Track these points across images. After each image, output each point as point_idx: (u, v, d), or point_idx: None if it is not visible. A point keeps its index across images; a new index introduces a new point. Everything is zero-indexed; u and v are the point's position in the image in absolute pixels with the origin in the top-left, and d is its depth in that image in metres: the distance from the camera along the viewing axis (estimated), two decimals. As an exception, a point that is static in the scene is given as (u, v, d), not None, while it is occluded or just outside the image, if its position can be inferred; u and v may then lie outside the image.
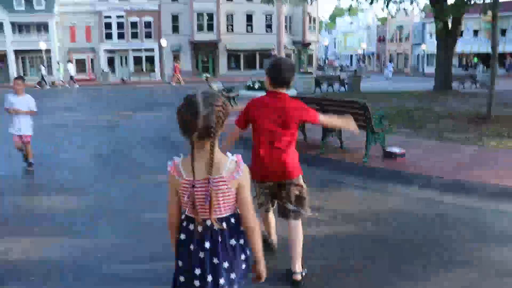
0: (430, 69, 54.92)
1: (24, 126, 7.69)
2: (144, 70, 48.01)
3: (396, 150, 7.56)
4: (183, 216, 2.22)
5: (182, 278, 2.19)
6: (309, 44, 52.28)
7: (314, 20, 52.52)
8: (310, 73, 28.69)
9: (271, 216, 3.97)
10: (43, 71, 40.27)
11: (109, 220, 5.28)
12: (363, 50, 70.10)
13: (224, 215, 2.16)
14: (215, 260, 2.13)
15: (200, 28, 47.00)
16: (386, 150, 7.62)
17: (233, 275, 2.18)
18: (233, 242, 2.18)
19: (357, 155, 7.85)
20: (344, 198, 6.10)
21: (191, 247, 2.16)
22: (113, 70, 47.14)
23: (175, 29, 47.76)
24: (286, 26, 49.60)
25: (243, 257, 2.23)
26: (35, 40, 44.41)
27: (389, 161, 7.46)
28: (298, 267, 3.58)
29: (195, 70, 47.87)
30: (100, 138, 11.37)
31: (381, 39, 73.59)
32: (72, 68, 39.33)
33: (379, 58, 74.82)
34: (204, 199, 2.08)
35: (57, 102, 23.49)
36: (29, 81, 41.73)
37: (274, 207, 3.87)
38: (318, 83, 26.21)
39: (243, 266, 2.25)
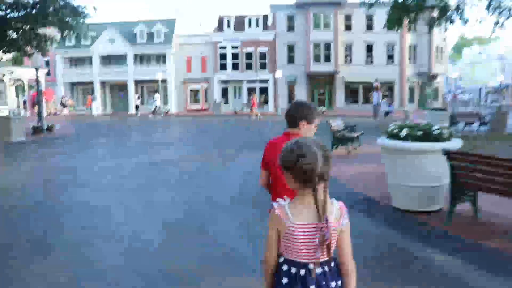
0: None
1: None
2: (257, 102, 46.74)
3: None
4: (281, 260, 2.22)
5: None
6: (435, 76, 47.55)
7: (442, 50, 47.76)
8: (444, 109, 24.73)
9: None
10: (138, 101, 41.51)
11: None
12: (499, 82, 63.27)
13: (325, 259, 2.17)
14: None
15: (316, 58, 44.75)
16: None
17: None
18: (333, 284, 2.19)
19: None
20: None
21: None
22: (226, 101, 46.55)
23: (291, 59, 46.01)
24: (409, 57, 45.70)
25: None
26: (153, 70, 45.39)
27: None
28: None
29: (310, 102, 45.50)
30: (180, 193, 8.75)
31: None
32: (158, 99, 40.39)
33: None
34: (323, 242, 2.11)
35: (155, 134, 22.25)
36: (145, 110, 42.79)
37: None
38: (453, 121, 22.24)
39: None
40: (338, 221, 2.14)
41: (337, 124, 14.92)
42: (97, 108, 41.70)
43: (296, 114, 3.36)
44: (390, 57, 45.70)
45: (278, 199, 2.21)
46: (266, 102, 46.30)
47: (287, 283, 2.17)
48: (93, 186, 9.43)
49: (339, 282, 2.21)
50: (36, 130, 21.45)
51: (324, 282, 2.15)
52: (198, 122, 31.79)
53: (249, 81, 46.70)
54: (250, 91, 46.51)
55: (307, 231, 2.09)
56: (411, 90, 46.85)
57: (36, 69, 21.58)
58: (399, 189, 6.85)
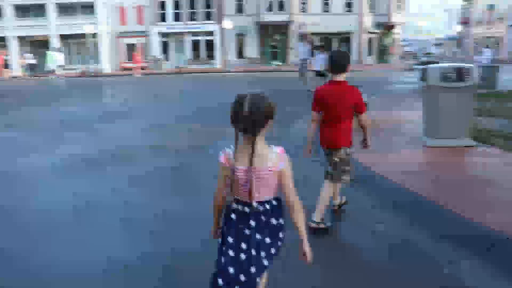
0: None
1: None
2: (202, 57, 41.51)
3: None
4: (232, 199, 2.45)
5: (231, 253, 2.41)
6: (392, 26, 44.20)
7: (402, -3, 43.99)
8: (436, 62, 21.15)
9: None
10: (32, 60, 34.82)
11: None
12: (457, 33, 61.47)
13: (267, 199, 2.41)
14: (258, 236, 2.42)
15: (269, 7, 39.90)
16: None
17: (273, 250, 2.49)
18: (274, 221, 2.46)
19: None
20: None
21: (240, 226, 2.43)
22: (167, 57, 41.13)
23: (239, 8, 40.94)
24: (369, 5, 42.05)
25: (281, 235, 2.52)
26: (80, 23, 38.73)
27: None
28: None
29: (262, 56, 41.02)
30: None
31: (465, 22, 64.22)
32: (60, 57, 32.56)
33: (460, 43, 65.57)
34: (250, 184, 2.33)
35: (65, 101, 17.38)
36: (70, 71, 36.17)
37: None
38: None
39: (279, 243, 2.54)
40: (276, 165, 2.34)
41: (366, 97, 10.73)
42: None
43: (344, 60, 4.12)
44: (349, 5, 41.71)
45: (225, 148, 2.42)
46: (212, 57, 41.29)
47: (235, 219, 2.47)
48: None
49: (281, 220, 2.51)
50: None
51: (264, 219, 2.43)
52: (129, 84, 26.73)
53: (192, 33, 41.32)
54: (195, 44, 41.33)
55: (244, 174, 2.34)
56: (370, 42, 43.41)
57: None
58: None
